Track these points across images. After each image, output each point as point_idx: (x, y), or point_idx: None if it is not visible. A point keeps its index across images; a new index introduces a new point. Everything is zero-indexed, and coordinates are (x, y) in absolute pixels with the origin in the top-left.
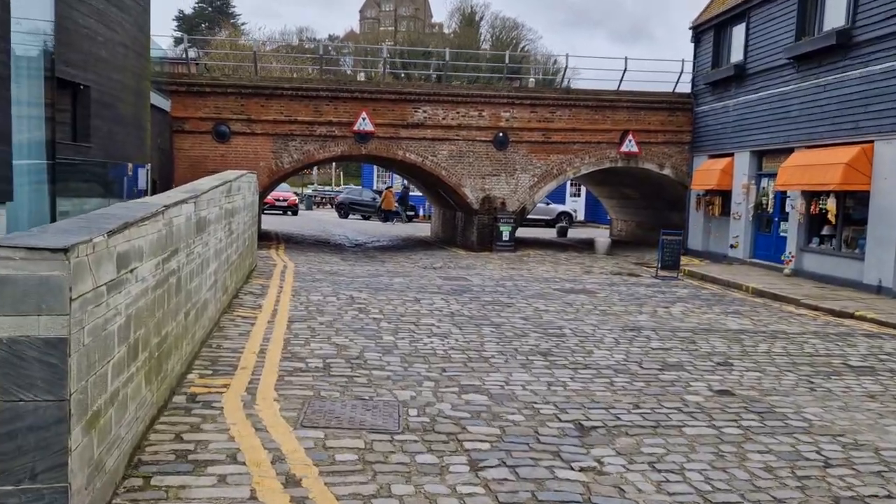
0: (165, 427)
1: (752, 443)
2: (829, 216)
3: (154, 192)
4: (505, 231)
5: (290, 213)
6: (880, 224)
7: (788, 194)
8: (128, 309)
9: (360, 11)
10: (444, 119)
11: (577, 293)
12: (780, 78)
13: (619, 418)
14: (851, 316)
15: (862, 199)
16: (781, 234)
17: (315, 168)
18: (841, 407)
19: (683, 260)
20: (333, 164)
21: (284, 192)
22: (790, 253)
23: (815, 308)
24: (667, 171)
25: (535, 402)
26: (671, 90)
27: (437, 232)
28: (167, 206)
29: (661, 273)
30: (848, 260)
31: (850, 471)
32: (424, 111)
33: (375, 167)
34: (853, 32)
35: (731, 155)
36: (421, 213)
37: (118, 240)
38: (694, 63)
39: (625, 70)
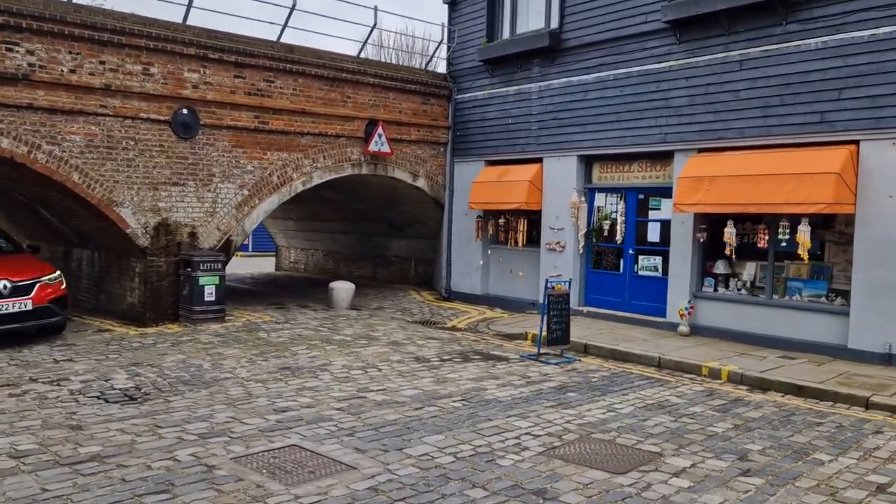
0: None
1: None
2: (801, 251)
3: None
4: (209, 285)
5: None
6: (877, 262)
7: (673, 217)
8: None
9: None
10: (73, 73)
11: (577, 465)
12: (645, 51)
13: None
14: None
15: (818, 223)
16: (643, 272)
17: None
18: None
19: (448, 306)
20: None
21: None
22: (689, 303)
23: None
24: (421, 183)
25: None
26: (424, 67)
27: None
28: None
29: (544, 350)
30: (801, 314)
31: None
32: (29, 52)
33: None
34: None
35: (539, 161)
36: None
37: None
38: (451, 33)
39: (374, 26)
